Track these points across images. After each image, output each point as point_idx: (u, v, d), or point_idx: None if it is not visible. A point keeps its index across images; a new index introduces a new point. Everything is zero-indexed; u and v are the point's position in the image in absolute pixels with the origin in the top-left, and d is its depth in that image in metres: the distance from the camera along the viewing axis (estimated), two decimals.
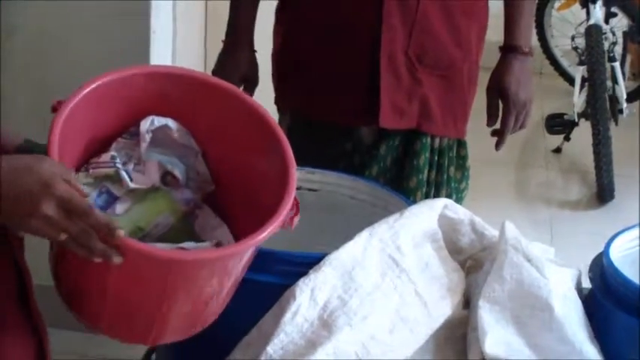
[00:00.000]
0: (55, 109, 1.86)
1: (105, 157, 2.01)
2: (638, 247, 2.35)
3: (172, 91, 2.09)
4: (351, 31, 2.93)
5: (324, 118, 3.04)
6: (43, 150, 1.82)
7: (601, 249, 2.26)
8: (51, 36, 3.76)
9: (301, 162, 2.65)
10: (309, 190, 2.56)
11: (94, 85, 1.95)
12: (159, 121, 2.06)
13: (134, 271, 1.78)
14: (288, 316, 2.09)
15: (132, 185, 2.01)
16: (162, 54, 3.89)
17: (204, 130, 2.14)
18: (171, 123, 2.07)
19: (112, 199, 2.00)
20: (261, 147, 2.15)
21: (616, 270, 2.17)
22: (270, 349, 2.06)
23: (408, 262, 2.20)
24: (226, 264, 1.93)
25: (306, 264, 2.16)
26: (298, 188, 2.52)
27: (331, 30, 2.95)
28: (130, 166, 2.03)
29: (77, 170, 1.96)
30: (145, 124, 2.04)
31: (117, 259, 1.67)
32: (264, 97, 3.03)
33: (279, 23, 3.11)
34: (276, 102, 3.16)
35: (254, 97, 2.95)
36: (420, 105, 2.99)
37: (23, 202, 1.63)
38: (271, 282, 2.16)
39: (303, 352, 2.06)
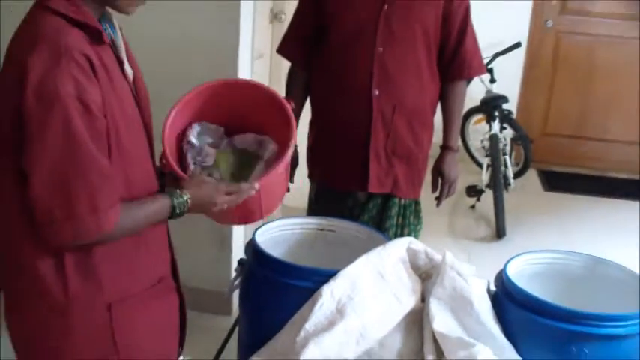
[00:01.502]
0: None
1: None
2: (525, 267, 2.33)
3: (228, 90, 2.20)
4: (352, 137, 2.91)
5: (337, 187, 3.02)
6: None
7: (500, 267, 2.26)
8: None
9: (324, 214, 2.68)
10: (330, 230, 2.53)
11: (188, 97, 2.09)
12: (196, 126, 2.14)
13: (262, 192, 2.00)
14: (317, 306, 2.10)
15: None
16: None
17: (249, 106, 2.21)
18: (197, 125, 2.15)
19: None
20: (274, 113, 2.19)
21: (511, 281, 2.18)
22: (307, 325, 2.07)
23: (388, 275, 2.21)
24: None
25: (328, 275, 2.16)
26: (321, 230, 2.56)
27: (340, 137, 2.94)
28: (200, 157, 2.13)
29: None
30: (192, 132, 2.12)
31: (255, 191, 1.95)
32: (301, 172, 3.08)
33: (310, 129, 3.08)
34: (309, 176, 3.13)
35: (295, 176, 2.99)
36: (392, 179, 2.96)
37: (208, 204, 1.87)
38: (307, 286, 2.15)
39: (326, 328, 2.08)
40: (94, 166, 1.56)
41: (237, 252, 3.55)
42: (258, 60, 3.82)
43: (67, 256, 1.65)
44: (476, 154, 5.88)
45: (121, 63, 1.70)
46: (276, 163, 2.10)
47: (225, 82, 2.22)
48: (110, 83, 1.60)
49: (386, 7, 2.80)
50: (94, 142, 1.56)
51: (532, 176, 6.05)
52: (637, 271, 2.28)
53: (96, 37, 1.60)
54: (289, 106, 2.17)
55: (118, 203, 1.62)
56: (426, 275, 2.32)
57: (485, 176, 5.33)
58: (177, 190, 1.80)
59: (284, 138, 2.16)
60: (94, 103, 1.55)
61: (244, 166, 2.19)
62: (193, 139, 2.12)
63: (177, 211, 1.79)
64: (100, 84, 1.57)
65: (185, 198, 1.79)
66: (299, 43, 3.02)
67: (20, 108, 1.52)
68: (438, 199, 3.11)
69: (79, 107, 1.52)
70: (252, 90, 2.23)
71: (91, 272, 1.68)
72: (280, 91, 3.42)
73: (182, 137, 2.13)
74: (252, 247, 2.33)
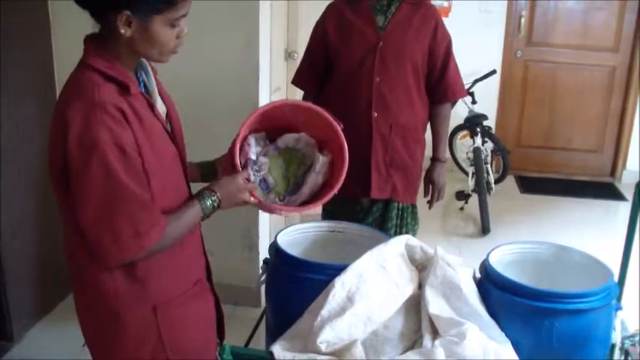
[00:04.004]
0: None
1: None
2: (504, 256, 2.33)
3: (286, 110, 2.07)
4: (356, 153, 2.78)
5: (345, 194, 2.97)
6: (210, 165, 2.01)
7: (483, 257, 2.26)
8: None
9: (335, 218, 2.67)
10: (339, 232, 2.51)
11: (258, 113, 1.96)
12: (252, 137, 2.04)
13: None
14: (331, 296, 2.10)
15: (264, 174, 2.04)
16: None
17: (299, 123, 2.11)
18: (251, 137, 2.02)
19: (265, 182, 2.03)
20: (325, 131, 2.11)
21: (492, 268, 2.17)
22: (322, 312, 2.07)
23: (390, 268, 2.20)
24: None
25: (339, 269, 2.15)
26: (332, 231, 2.54)
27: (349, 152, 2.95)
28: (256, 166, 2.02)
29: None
30: (251, 148, 2.02)
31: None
32: None
33: None
34: None
35: None
36: (391, 186, 2.95)
37: (236, 199, 1.81)
38: (322, 279, 2.15)
39: (338, 313, 2.07)
40: (131, 197, 1.56)
41: (263, 253, 3.52)
42: (276, 92, 3.82)
43: (117, 268, 1.66)
44: (463, 164, 5.85)
45: (151, 106, 1.70)
46: (318, 200, 2.10)
47: (284, 103, 2.13)
48: (141, 125, 1.61)
49: (381, 44, 2.81)
50: (131, 178, 1.56)
51: (510, 181, 6.02)
52: (595, 256, 2.27)
53: (126, 89, 1.61)
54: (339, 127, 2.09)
55: (160, 223, 1.62)
56: (421, 267, 2.31)
57: (471, 182, 5.30)
58: (206, 191, 1.78)
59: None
60: (128, 145, 1.55)
61: (290, 164, 2.12)
62: (252, 155, 2.02)
63: (209, 210, 1.76)
64: (132, 127, 1.58)
65: (214, 197, 1.77)
66: (309, 75, 3.03)
67: (65, 155, 1.54)
68: (430, 203, 3.10)
69: (115, 150, 1.53)
70: (308, 112, 2.12)
71: (137, 280, 1.69)
72: None
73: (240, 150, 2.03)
74: (274, 247, 2.32)
